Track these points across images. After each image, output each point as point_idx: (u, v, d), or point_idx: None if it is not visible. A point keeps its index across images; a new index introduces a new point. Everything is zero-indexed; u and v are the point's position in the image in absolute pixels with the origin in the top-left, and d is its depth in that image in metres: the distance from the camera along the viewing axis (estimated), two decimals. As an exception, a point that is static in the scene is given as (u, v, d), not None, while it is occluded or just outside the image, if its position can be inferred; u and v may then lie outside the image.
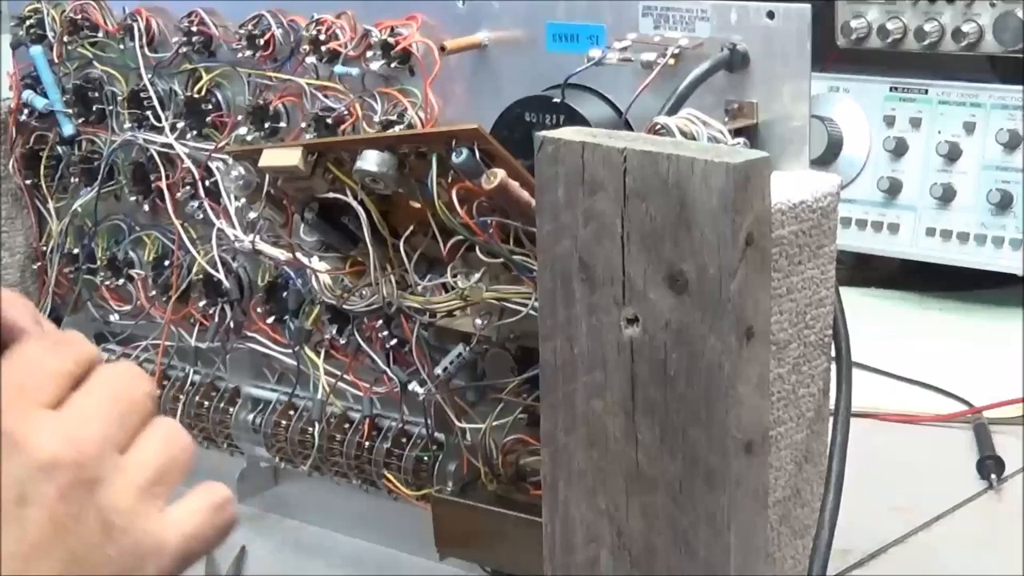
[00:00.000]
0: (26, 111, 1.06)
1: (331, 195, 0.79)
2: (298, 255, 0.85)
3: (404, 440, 0.91)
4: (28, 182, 1.08)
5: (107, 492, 0.52)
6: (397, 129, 0.86)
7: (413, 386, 0.86)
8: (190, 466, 0.53)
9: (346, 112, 0.89)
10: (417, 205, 0.78)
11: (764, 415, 0.64)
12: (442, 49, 0.85)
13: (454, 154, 0.72)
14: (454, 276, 0.78)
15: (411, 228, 0.79)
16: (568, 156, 0.64)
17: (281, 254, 0.89)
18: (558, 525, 0.68)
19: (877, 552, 0.88)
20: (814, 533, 0.69)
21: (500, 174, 0.71)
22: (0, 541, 0.49)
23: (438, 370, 0.83)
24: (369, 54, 0.88)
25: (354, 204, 0.78)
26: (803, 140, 0.75)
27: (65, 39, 1.03)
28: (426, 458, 0.89)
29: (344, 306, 0.85)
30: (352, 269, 0.83)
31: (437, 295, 0.80)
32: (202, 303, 0.98)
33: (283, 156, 0.78)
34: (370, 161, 0.76)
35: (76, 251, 1.07)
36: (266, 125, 0.93)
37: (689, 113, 0.69)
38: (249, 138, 0.93)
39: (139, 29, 0.99)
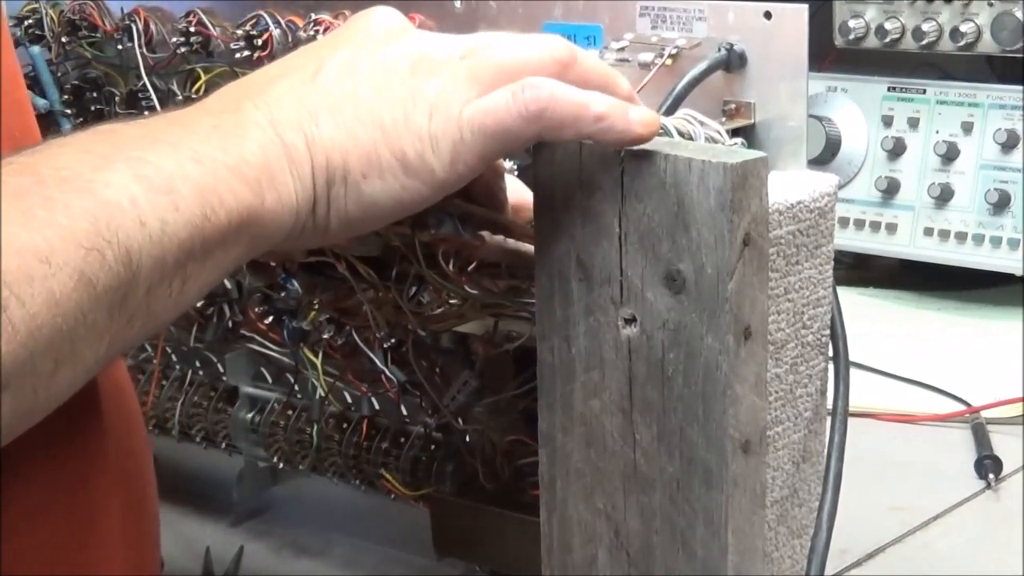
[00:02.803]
0: (24, 111, 1.06)
1: (312, 259, 0.79)
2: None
3: (402, 440, 0.91)
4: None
5: (431, 51, 0.63)
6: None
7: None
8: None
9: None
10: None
11: (761, 415, 0.64)
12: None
13: (433, 224, 0.72)
14: (449, 296, 0.78)
15: (401, 255, 0.78)
16: (565, 156, 0.64)
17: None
18: (556, 525, 0.69)
19: (875, 552, 0.88)
20: (812, 533, 0.69)
21: (485, 238, 0.72)
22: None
23: (446, 400, 0.84)
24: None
25: (339, 267, 0.78)
26: (800, 140, 0.75)
27: (63, 39, 1.03)
28: (424, 458, 0.89)
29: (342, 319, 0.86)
30: (344, 303, 0.83)
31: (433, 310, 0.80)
32: (200, 303, 0.98)
33: None
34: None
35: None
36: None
37: (686, 113, 0.69)
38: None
39: (137, 29, 0.99)
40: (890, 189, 1.37)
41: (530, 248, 0.68)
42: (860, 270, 1.42)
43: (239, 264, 0.61)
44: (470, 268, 0.74)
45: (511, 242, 0.73)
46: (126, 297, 0.55)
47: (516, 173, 0.77)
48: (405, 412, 0.90)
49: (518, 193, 0.72)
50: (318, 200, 0.61)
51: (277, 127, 0.60)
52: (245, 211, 0.58)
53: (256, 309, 0.96)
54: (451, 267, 0.73)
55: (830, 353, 0.72)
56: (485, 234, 0.72)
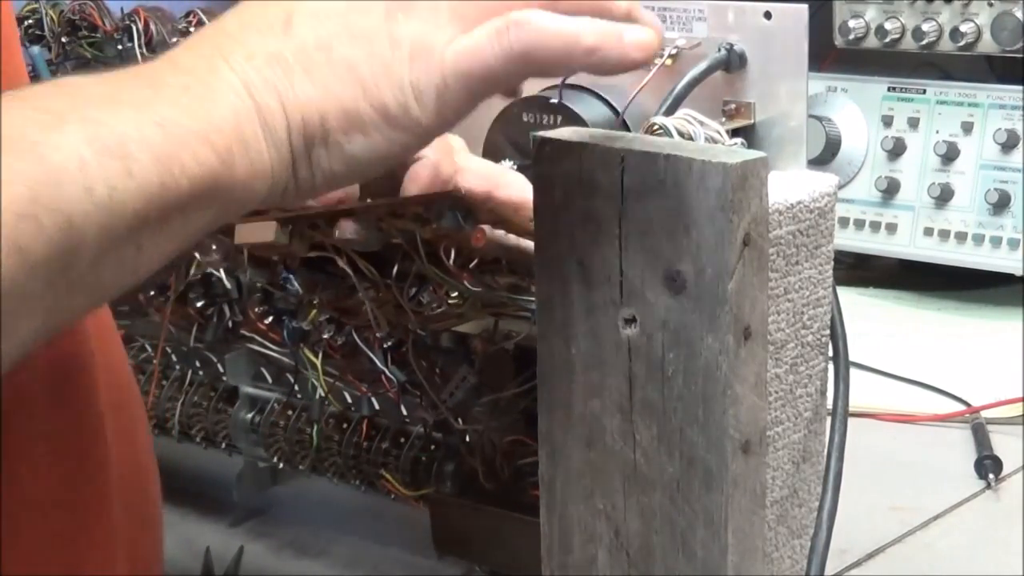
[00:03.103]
0: (24, 111, 1.06)
1: (313, 254, 0.79)
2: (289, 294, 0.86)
3: (402, 440, 0.91)
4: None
5: None
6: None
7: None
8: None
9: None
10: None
11: (761, 415, 0.64)
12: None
13: (435, 216, 0.72)
14: (448, 293, 0.78)
15: (402, 253, 0.78)
16: (565, 157, 0.64)
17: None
18: (556, 525, 0.69)
19: (875, 552, 0.88)
20: (812, 533, 0.69)
21: (486, 231, 0.71)
22: None
23: (444, 395, 0.84)
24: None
25: (340, 261, 0.78)
26: (800, 140, 0.75)
27: (63, 39, 1.03)
28: (424, 458, 0.89)
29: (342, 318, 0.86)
30: (345, 303, 0.83)
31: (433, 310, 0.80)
32: (200, 303, 0.98)
33: (258, 231, 0.77)
34: (348, 231, 0.75)
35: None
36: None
37: (686, 113, 0.69)
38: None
39: (137, 30, 0.99)
40: (890, 189, 1.37)
41: (530, 244, 0.68)
42: (860, 270, 1.42)
43: (207, 231, 0.58)
44: (471, 265, 0.74)
45: (512, 237, 0.73)
46: (67, 267, 0.52)
47: (515, 168, 0.77)
48: (405, 412, 0.90)
49: (520, 190, 0.72)
50: (297, 162, 0.58)
51: (251, 88, 0.57)
52: (210, 178, 0.55)
53: (256, 309, 0.96)
54: (452, 262, 0.73)
55: (830, 353, 0.72)
56: (487, 228, 0.72)
